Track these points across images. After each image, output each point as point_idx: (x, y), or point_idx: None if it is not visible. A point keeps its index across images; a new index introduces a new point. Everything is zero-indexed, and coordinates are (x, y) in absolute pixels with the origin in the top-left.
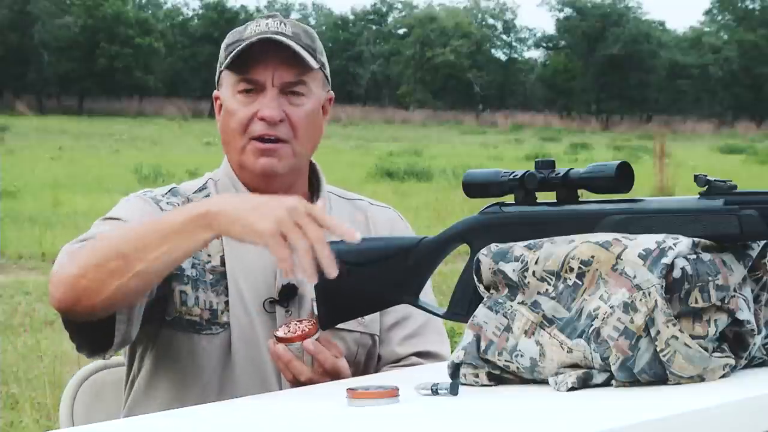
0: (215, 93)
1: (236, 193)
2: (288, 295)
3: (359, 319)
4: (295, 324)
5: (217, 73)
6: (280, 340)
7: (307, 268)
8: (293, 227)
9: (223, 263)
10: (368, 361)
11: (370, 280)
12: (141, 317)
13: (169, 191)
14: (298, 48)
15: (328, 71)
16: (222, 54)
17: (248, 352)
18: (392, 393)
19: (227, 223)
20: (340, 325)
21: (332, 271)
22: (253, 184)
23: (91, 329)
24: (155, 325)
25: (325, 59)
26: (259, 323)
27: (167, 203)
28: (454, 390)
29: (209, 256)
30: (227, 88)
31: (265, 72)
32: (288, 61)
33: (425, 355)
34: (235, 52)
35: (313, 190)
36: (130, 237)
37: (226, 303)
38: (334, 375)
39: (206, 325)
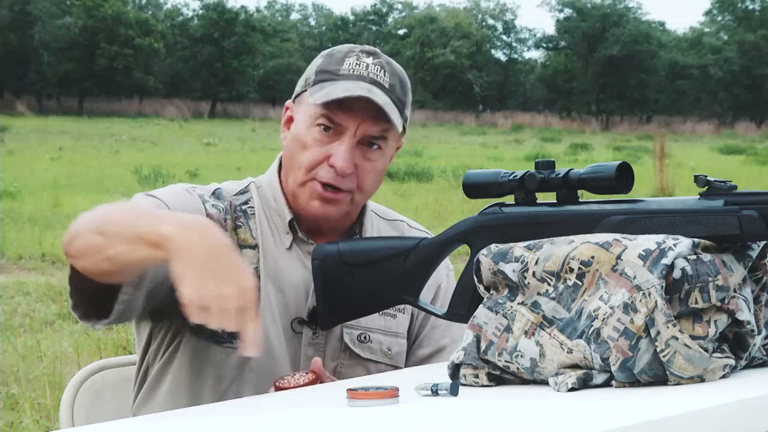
0: (288, 103)
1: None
2: (317, 317)
3: (385, 350)
4: (300, 376)
5: (299, 88)
6: (278, 388)
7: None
8: (220, 312)
9: (256, 275)
10: None
11: (370, 281)
12: (145, 302)
13: (213, 194)
14: (389, 110)
15: (408, 122)
16: (311, 73)
17: (267, 366)
18: (392, 393)
19: (183, 262)
20: (365, 355)
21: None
22: (298, 212)
23: (91, 297)
24: (178, 324)
25: (409, 111)
26: (284, 341)
27: (212, 205)
28: (454, 390)
29: None
30: (305, 115)
31: (351, 121)
32: (376, 116)
33: None
34: (326, 90)
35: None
36: (115, 219)
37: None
38: None
39: (227, 338)
